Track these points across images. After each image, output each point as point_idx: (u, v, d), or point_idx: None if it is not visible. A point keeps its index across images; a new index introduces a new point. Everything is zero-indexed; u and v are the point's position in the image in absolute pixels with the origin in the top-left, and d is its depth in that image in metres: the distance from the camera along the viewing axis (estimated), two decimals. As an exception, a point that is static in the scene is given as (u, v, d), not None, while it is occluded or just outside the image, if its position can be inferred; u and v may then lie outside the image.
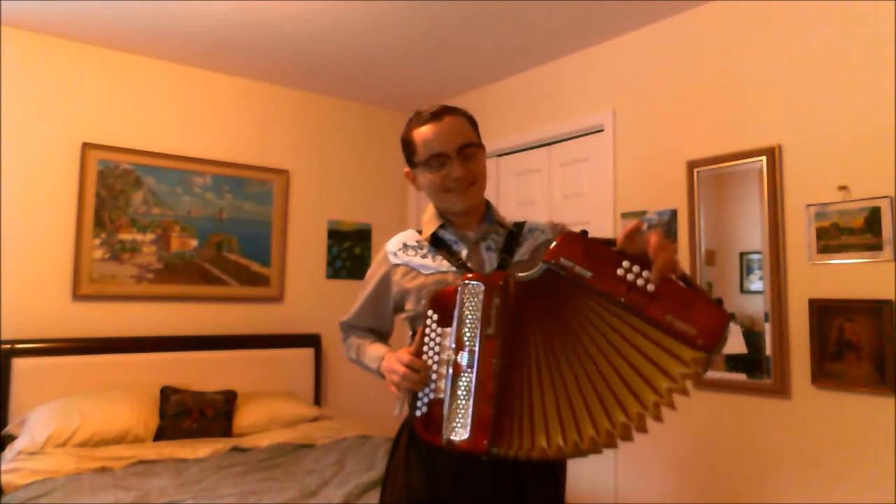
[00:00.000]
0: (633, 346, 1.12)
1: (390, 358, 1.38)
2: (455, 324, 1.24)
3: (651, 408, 1.09)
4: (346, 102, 4.39)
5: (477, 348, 1.21)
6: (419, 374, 1.27)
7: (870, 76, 2.33)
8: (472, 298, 1.23)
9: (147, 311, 3.53)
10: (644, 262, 1.13)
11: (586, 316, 1.17)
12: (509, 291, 1.22)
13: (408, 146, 1.47)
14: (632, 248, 1.15)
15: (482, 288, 1.23)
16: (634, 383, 1.11)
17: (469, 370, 1.21)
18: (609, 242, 1.18)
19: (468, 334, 1.23)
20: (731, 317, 1.09)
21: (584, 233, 1.19)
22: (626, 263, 1.13)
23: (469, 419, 1.19)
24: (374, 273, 1.55)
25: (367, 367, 1.53)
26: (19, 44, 3.25)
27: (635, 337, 1.12)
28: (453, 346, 1.24)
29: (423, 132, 1.42)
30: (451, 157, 1.40)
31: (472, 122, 1.48)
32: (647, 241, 1.13)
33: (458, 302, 1.25)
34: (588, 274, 1.15)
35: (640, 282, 1.12)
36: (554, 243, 1.18)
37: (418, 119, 1.45)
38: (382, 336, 1.62)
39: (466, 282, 1.25)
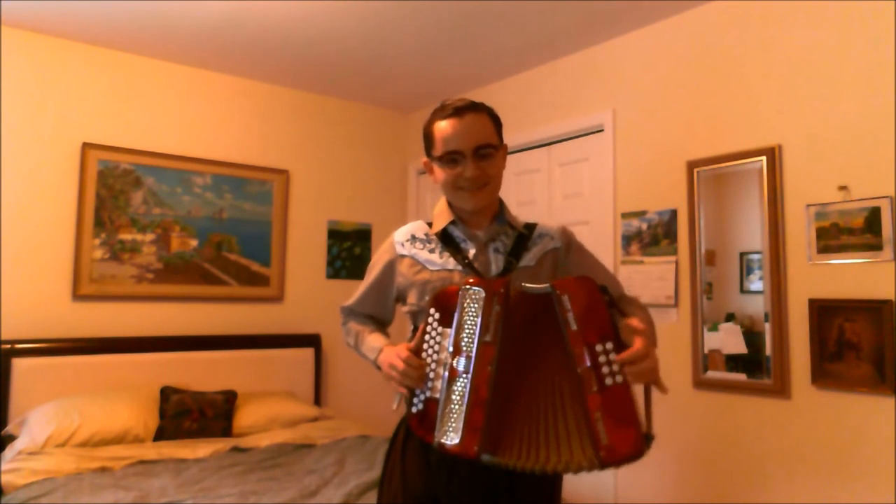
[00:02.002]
0: (562, 408, 1.16)
1: (389, 352, 1.37)
2: (454, 327, 1.25)
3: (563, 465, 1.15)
4: (346, 102, 4.39)
5: (474, 354, 1.21)
6: (417, 372, 1.27)
7: (870, 76, 2.33)
8: (472, 303, 1.23)
9: (147, 311, 3.53)
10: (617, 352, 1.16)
11: (549, 356, 1.20)
12: (510, 299, 1.22)
13: (427, 138, 1.46)
14: (628, 337, 1.17)
15: (483, 294, 1.23)
16: (551, 438, 1.16)
17: (465, 375, 1.21)
18: (622, 314, 1.20)
19: (466, 339, 1.23)
20: (648, 438, 1.14)
21: (604, 289, 1.20)
22: (609, 345, 1.14)
23: (461, 424, 1.19)
24: (379, 260, 1.54)
25: (363, 356, 1.53)
26: (19, 44, 3.25)
27: (567, 404, 1.16)
28: (451, 349, 1.24)
29: (442, 127, 1.41)
30: (466, 155, 1.38)
31: (496, 122, 1.46)
32: (633, 339, 1.16)
33: (458, 305, 1.25)
34: (573, 327, 1.16)
35: (604, 368, 1.13)
36: (570, 277, 1.21)
37: (441, 112, 1.43)
38: (382, 324, 1.61)
39: (468, 286, 1.25)
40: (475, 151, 1.39)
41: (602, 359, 1.14)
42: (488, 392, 1.19)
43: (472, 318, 1.23)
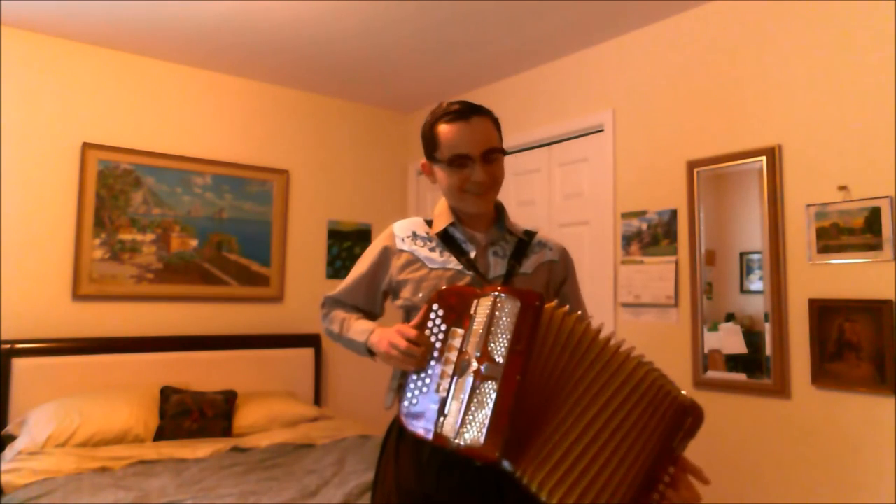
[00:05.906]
0: (620, 482, 1.22)
1: (386, 330, 1.35)
2: (481, 331, 1.23)
3: None
4: (346, 102, 4.39)
5: (503, 361, 1.20)
6: (421, 350, 1.25)
7: (870, 76, 2.33)
8: (504, 312, 1.22)
9: (147, 311, 3.53)
10: (672, 484, 1.29)
11: (609, 409, 1.23)
12: (542, 315, 1.21)
13: (430, 140, 1.43)
14: (683, 475, 1.30)
15: (518, 305, 1.21)
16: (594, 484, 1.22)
17: (491, 380, 1.20)
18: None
19: (493, 345, 1.21)
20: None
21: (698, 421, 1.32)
22: (672, 470, 1.29)
23: (485, 427, 1.17)
24: (375, 249, 1.52)
25: (349, 341, 1.50)
26: (19, 44, 3.25)
27: (626, 485, 1.22)
28: (478, 353, 1.22)
29: (448, 130, 1.39)
30: (475, 159, 1.38)
31: (497, 126, 1.46)
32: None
33: (489, 310, 1.23)
34: (678, 452, 1.32)
35: (661, 486, 1.27)
36: (699, 406, 1.32)
37: (445, 114, 1.41)
38: (370, 317, 1.59)
39: (502, 294, 1.23)
40: (484, 155, 1.38)
41: (666, 478, 1.28)
42: (514, 401, 1.18)
43: (502, 324, 1.22)
